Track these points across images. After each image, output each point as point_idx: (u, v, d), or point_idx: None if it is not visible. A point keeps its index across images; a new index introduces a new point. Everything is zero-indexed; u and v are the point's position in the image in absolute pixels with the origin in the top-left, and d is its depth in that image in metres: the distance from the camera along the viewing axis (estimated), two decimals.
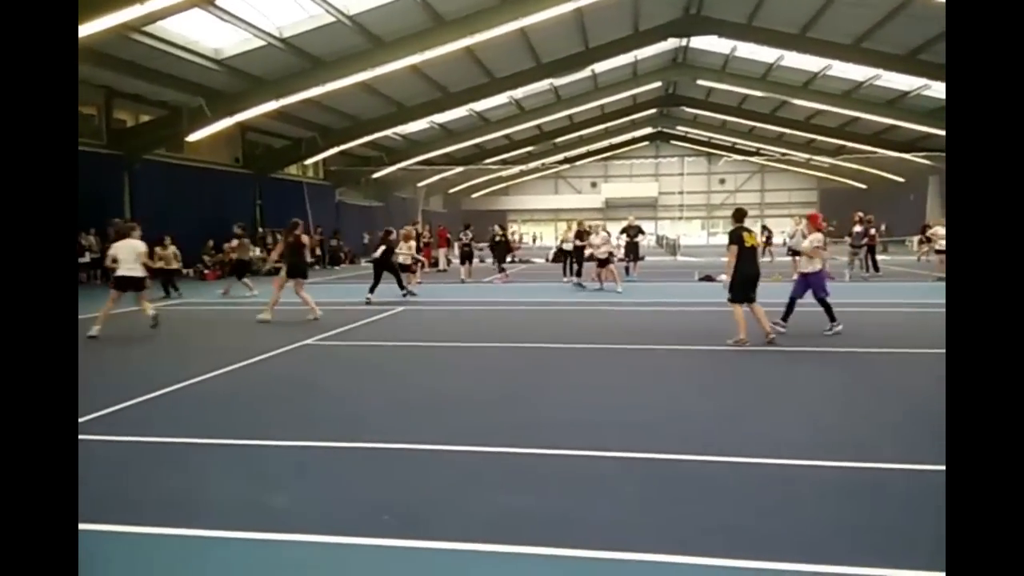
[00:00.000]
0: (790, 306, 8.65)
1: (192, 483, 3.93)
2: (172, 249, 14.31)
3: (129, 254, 9.18)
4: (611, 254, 15.00)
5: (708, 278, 17.42)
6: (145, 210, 19.79)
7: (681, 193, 53.91)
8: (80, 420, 5.09)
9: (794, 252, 18.03)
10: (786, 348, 7.87)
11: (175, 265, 14.49)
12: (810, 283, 8.47)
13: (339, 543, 3.08)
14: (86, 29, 12.18)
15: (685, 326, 9.33)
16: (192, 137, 20.45)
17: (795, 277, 16.54)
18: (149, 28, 14.69)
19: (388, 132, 27.60)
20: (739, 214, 8.22)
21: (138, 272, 9.23)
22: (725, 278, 8.07)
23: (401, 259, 14.50)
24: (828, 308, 8.37)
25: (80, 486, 3.85)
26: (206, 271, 21.10)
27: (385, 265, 13.56)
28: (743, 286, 7.85)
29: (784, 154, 42.13)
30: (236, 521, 3.32)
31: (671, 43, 24.37)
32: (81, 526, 3.25)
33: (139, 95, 19.21)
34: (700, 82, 29.65)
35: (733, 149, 46.44)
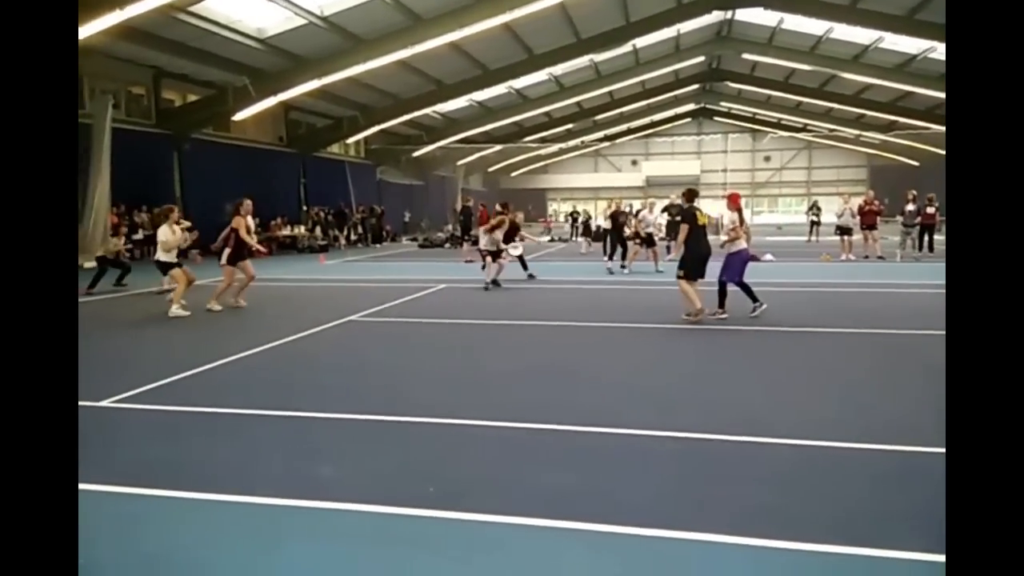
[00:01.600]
0: (730, 289, 8.44)
1: (242, 452, 4.08)
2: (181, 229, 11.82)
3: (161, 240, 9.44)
4: (649, 234, 14.66)
5: (752, 258, 17.07)
6: (194, 188, 20.38)
7: (724, 171, 52.79)
8: (135, 391, 5.34)
9: (842, 231, 17.69)
10: (811, 328, 7.73)
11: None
12: (726, 263, 8.39)
13: (384, 512, 3.18)
14: (135, 9, 12.48)
15: (739, 306, 9.17)
16: (237, 116, 20.89)
17: (843, 257, 16.44)
18: (195, 8, 14.96)
19: (428, 110, 27.66)
20: (690, 193, 8.56)
21: (163, 258, 9.47)
22: (674, 255, 8.51)
23: (484, 243, 12.51)
24: (723, 293, 8.37)
25: (133, 452, 4.08)
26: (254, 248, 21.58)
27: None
28: (695, 263, 8.17)
29: (832, 130, 40.77)
30: (284, 489, 3.44)
31: (715, 16, 23.73)
32: (131, 490, 3.46)
33: (186, 75, 19.61)
34: (745, 56, 28.86)
35: (779, 125, 45.15)
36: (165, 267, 9.53)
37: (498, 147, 38.24)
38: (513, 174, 52.60)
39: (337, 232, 25.60)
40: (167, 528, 3.11)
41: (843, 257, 16.75)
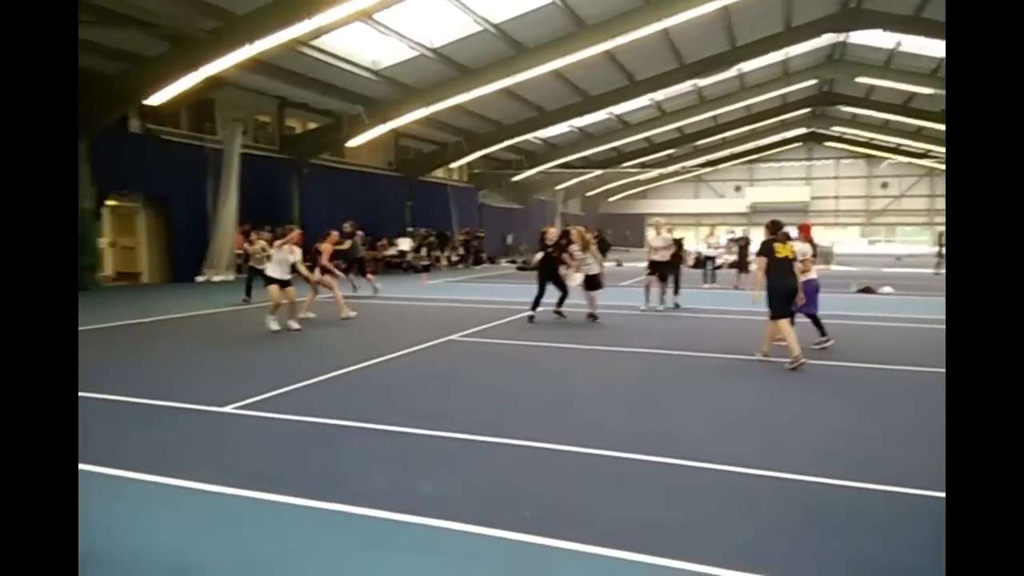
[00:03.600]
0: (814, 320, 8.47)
1: (347, 463, 4.31)
2: (261, 244, 12.51)
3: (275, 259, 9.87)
4: (654, 261, 12.15)
5: (867, 289, 16.16)
6: (311, 209, 21.78)
7: (836, 198, 50.30)
8: (255, 399, 5.75)
9: None
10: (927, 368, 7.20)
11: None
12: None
13: (481, 533, 3.27)
14: (263, 44, 13.59)
15: (849, 342, 8.72)
16: (352, 143, 22.16)
17: None
18: (316, 42, 16.06)
19: (529, 136, 28.18)
20: (773, 226, 8.02)
21: (273, 273, 9.75)
22: (757, 293, 7.77)
23: (580, 271, 11.16)
24: (817, 324, 8.41)
25: (249, 457, 4.40)
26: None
27: (549, 275, 10.98)
28: (776, 300, 7.56)
29: None
30: (383, 502, 3.59)
31: (827, 39, 22.86)
32: (237, 491, 3.72)
33: (307, 104, 21.02)
34: (860, 79, 27.55)
35: (897, 151, 42.62)
36: (268, 280, 9.80)
37: (597, 172, 38.31)
38: (612, 199, 52.41)
39: (439, 253, 26.45)
40: (280, 532, 3.35)
41: None
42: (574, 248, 11.05)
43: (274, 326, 9.53)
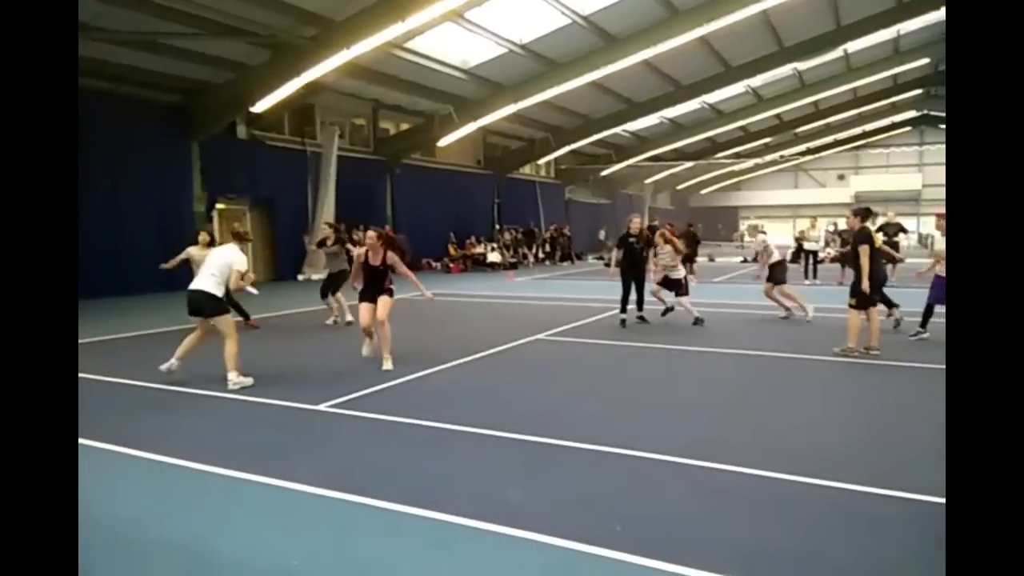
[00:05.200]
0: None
1: (434, 466, 4.29)
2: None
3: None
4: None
5: None
6: (402, 208, 22.39)
7: None
8: (347, 397, 5.87)
9: None
10: None
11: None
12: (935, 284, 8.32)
13: (571, 548, 3.14)
14: (360, 48, 13.99)
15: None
16: (442, 142, 22.52)
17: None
18: (408, 44, 16.38)
19: (617, 129, 27.68)
20: (865, 212, 7.66)
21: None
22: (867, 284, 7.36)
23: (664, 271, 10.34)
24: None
25: (342, 456, 4.47)
26: (451, 264, 23.05)
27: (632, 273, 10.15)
28: (876, 290, 7.52)
29: None
30: (475, 510, 3.53)
31: (943, 13, 21.07)
32: (340, 495, 3.74)
33: (399, 106, 21.52)
34: None
35: None
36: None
37: (689, 164, 37.20)
38: (703, 191, 50.79)
39: (526, 250, 26.47)
40: (377, 537, 3.36)
41: None
42: (665, 249, 10.28)
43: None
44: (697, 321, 10.01)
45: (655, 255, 10.34)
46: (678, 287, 10.30)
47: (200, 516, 3.61)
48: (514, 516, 3.47)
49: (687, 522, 3.45)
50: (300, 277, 18.79)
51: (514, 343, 8.59)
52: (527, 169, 30.71)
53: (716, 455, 4.36)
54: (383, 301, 7.19)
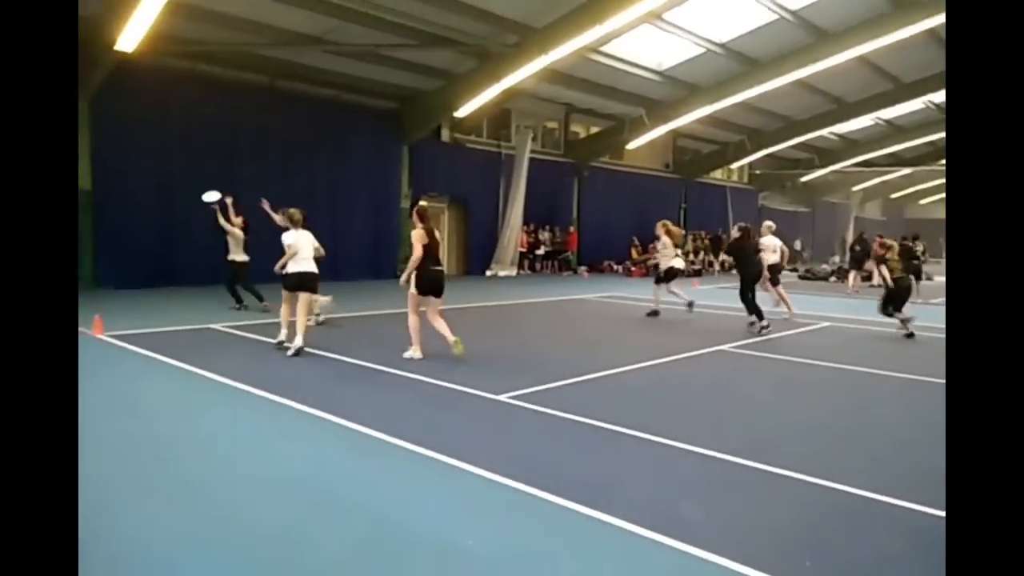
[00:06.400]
0: None
1: (608, 468, 4.30)
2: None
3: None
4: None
5: None
6: (588, 210, 22.67)
7: None
8: (527, 391, 6.09)
9: None
10: None
11: None
12: None
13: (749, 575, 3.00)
14: (557, 54, 14.37)
15: None
16: (631, 145, 22.40)
17: None
18: (603, 48, 16.50)
19: (823, 131, 25.62)
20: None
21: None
22: None
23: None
24: None
25: (518, 447, 4.63)
26: (632, 268, 22.86)
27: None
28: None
29: None
30: (643, 517, 3.47)
31: None
32: (513, 484, 3.84)
33: (591, 109, 21.75)
34: None
35: None
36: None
37: (907, 170, 33.32)
38: (922, 201, 45.26)
39: (712, 258, 25.44)
40: (547, 530, 3.48)
41: None
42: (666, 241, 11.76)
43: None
44: (908, 336, 9.92)
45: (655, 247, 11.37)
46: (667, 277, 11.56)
47: (387, 483, 3.98)
48: (685, 530, 3.37)
49: (897, 569, 3.13)
50: (488, 273, 19.79)
51: (695, 352, 8.33)
52: (718, 173, 29.49)
53: (915, 495, 3.88)
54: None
